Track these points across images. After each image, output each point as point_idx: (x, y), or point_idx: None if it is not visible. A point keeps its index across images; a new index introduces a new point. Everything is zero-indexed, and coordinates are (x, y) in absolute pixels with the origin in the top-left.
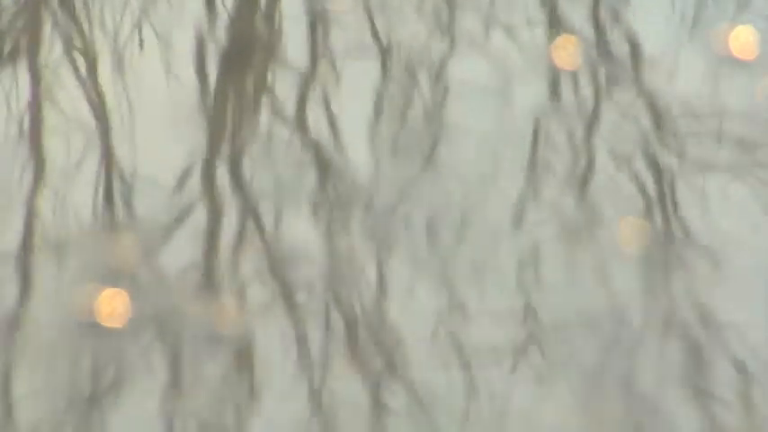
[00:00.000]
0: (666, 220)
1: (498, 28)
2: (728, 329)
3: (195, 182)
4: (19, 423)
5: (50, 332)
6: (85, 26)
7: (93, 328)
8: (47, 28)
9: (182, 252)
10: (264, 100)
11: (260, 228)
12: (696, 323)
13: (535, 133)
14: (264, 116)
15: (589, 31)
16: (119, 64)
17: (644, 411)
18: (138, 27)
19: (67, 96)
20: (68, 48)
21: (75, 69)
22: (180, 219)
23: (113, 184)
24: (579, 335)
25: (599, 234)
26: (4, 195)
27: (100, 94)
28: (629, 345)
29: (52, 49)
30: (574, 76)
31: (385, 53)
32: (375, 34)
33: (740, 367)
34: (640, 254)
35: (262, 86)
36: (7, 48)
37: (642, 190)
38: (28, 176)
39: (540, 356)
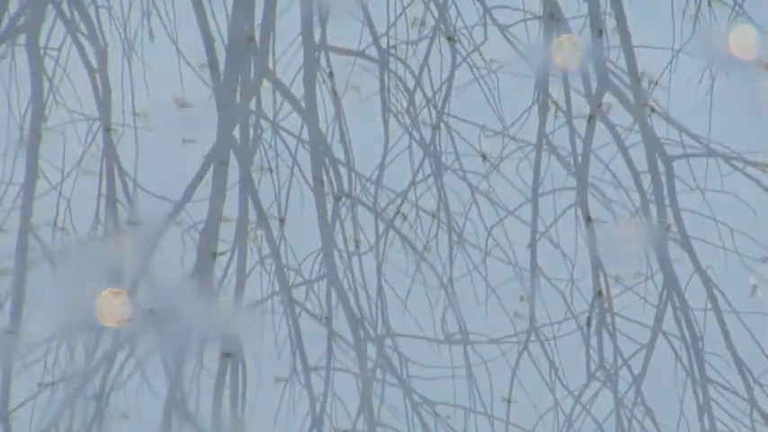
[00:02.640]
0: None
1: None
2: None
3: (200, 181)
4: (21, 423)
5: (50, 332)
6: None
7: (93, 328)
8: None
9: (182, 252)
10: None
11: (263, 226)
12: None
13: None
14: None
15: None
16: (127, 54)
17: None
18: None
19: (70, 89)
20: (74, 37)
21: (82, 59)
22: (181, 218)
23: (115, 182)
24: None
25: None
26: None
27: (106, 88)
28: None
29: (56, 36)
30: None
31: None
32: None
33: None
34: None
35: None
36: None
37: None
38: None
39: None
